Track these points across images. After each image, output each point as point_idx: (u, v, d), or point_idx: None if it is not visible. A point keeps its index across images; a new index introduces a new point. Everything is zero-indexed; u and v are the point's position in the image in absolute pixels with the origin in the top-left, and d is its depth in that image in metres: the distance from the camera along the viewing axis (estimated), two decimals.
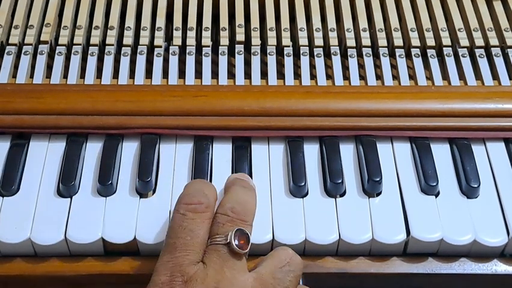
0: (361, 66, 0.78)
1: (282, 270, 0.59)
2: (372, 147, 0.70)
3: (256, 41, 0.79)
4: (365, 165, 0.68)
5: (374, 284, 0.67)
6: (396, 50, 0.79)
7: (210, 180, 0.68)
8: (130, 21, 0.81)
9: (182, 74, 0.76)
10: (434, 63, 0.78)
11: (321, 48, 0.79)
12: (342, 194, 0.68)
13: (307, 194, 0.67)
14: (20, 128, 0.70)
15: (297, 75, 0.77)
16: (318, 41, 0.80)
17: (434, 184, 0.67)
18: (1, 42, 0.78)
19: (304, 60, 0.78)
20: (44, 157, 0.69)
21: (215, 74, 0.76)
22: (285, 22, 0.82)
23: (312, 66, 0.78)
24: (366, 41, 0.80)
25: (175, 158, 0.70)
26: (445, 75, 0.77)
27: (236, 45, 0.79)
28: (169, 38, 0.81)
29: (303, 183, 0.67)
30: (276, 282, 0.58)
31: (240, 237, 0.59)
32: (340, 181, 0.67)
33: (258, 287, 0.57)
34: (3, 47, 0.78)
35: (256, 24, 0.81)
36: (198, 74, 0.76)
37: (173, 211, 0.61)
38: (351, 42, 0.80)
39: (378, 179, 0.67)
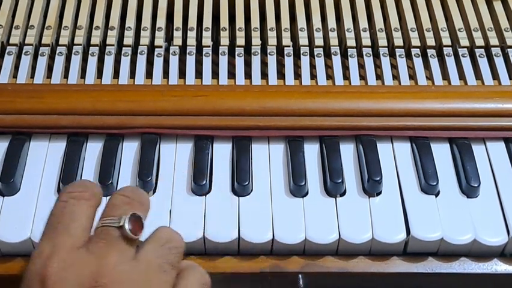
0: (361, 66, 0.78)
1: (164, 248, 0.55)
2: (373, 146, 0.70)
3: (256, 41, 0.79)
4: (365, 165, 0.68)
5: (374, 283, 0.67)
6: (396, 49, 0.79)
7: (210, 180, 0.68)
8: (131, 21, 0.81)
9: (182, 74, 0.76)
10: (434, 63, 0.78)
11: (321, 48, 0.79)
12: (342, 194, 0.68)
13: (307, 193, 0.67)
14: (20, 127, 0.70)
15: (297, 75, 0.77)
16: (319, 41, 0.80)
17: (434, 184, 0.67)
18: (2, 43, 0.78)
19: (305, 60, 0.78)
20: (45, 157, 0.69)
21: (215, 74, 0.76)
22: (285, 22, 0.82)
23: (312, 66, 0.78)
24: (366, 41, 0.80)
25: (175, 158, 0.70)
26: (445, 75, 0.77)
27: (236, 45, 0.79)
28: (169, 38, 0.81)
29: (303, 183, 0.67)
30: (161, 260, 0.54)
31: (134, 221, 0.54)
32: (340, 181, 0.67)
33: (145, 270, 0.54)
34: (4, 47, 0.78)
35: (257, 24, 0.81)
36: (198, 74, 0.76)
37: (55, 201, 0.57)
38: (351, 42, 0.80)
39: (378, 179, 0.67)
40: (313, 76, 0.77)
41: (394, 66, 0.78)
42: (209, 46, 0.79)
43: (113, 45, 0.79)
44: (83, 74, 0.76)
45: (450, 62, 0.78)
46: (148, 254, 0.55)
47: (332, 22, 0.82)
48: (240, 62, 0.77)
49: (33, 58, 0.77)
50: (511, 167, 0.70)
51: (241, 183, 0.67)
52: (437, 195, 0.68)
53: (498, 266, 0.66)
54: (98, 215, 0.56)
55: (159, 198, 0.67)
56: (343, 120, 0.71)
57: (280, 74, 0.77)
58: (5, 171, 0.67)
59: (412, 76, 0.77)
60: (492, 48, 0.79)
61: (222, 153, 0.70)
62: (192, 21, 0.81)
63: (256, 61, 0.77)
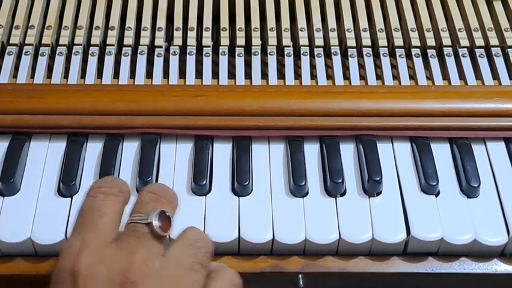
0: (361, 66, 0.78)
1: (193, 247, 0.56)
2: (373, 146, 0.70)
3: (256, 41, 0.79)
4: (365, 165, 0.68)
5: (374, 283, 0.67)
6: (396, 50, 0.79)
7: (210, 180, 0.68)
8: (131, 21, 0.81)
9: (182, 74, 0.76)
10: (434, 63, 0.78)
11: (322, 48, 0.79)
12: (343, 194, 0.68)
13: (307, 193, 0.67)
14: (20, 127, 0.70)
15: (298, 75, 0.77)
16: (319, 41, 0.80)
17: (434, 183, 0.67)
18: (2, 43, 0.78)
19: (305, 60, 0.78)
20: (45, 157, 0.69)
21: (215, 74, 0.76)
22: (285, 22, 0.82)
23: (313, 66, 0.78)
24: (366, 41, 0.80)
25: (175, 158, 0.70)
26: (445, 75, 0.77)
27: (236, 45, 0.79)
28: (169, 38, 0.81)
29: (303, 183, 0.67)
30: (191, 259, 0.55)
31: (162, 218, 0.56)
32: (340, 181, 0.67)
33: (174, 268, 0.54)
34: (4, 47, 0.78)
35: (257, 24, 0.81)
36: (198, 74, 0.76)
37: (85, 196, 0.58)
38: (351, 42, 0.80)
39: (378, 179, 0.67)
40: (313, 76, 0.77)
41: (394, 66, 0.78)
42: (209, 46, 0.79)
43: (113, 45, 0.79)
44: (83, 74, 0.76)
45: (450, 62, 0.78)
46: (177, 252, 0.56)
47: (332, 22, 0.82)
48: (240, 62, 0.77)
49: (33, 58, 0.77)
50: (511, 167, 0.70)
51: (241, 183, 0.67)
52: (437, 195, 0.68)
53: (498, 266, 0.66)
54: (128, 212, 0.57)
55: None
56: (343, 120, 0.71)
57: (281, 74, 0.77)
58: (5, 171, 0.67)
59: (412, 76, 0.77)
60: (492, 48, 0.79)
61: (222, 153, 0.70)
62: (192, 21, 0.81)
63: (256, 61, 0.77)
